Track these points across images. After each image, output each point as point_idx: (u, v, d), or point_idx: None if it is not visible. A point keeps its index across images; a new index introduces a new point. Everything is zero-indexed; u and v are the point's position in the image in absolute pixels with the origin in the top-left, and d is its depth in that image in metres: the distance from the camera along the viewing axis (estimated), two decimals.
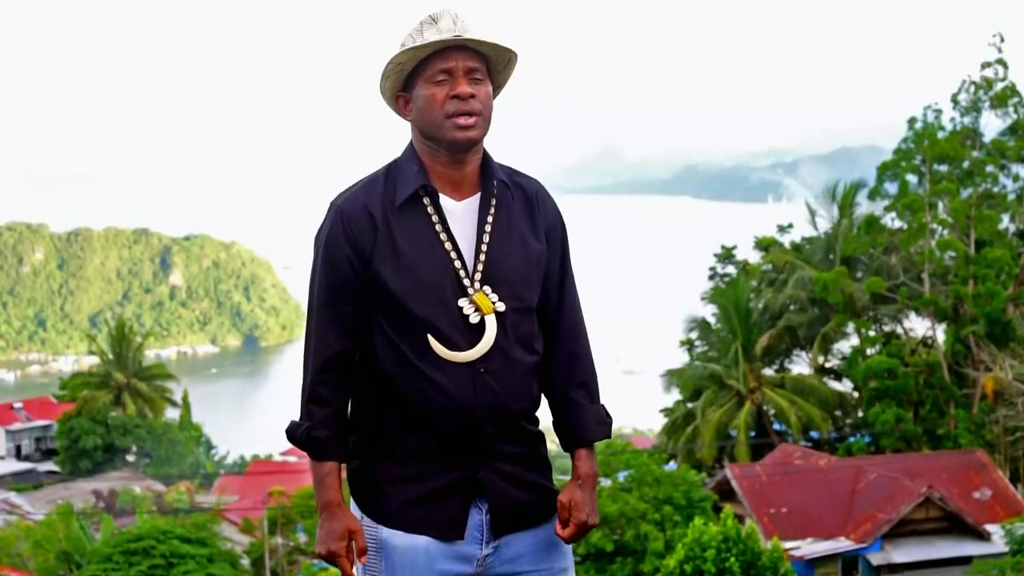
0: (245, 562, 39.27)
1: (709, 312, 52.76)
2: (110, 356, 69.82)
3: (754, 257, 54.85)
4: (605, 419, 3.78)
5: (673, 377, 50.08)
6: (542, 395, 3.77)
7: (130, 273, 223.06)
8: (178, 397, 70.88)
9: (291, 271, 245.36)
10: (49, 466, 69.46)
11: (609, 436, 3.79)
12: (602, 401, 3.84)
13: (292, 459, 65.09)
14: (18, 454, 73.76)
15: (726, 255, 56.19)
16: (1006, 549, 28.30)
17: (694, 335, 52.94)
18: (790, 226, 54.14)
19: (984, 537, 31.61)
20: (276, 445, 73.68)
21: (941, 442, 41.86)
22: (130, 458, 66.45)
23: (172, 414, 71.17)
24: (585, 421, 3.74)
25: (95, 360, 73.52)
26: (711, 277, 55.76)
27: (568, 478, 3.78)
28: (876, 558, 31.44)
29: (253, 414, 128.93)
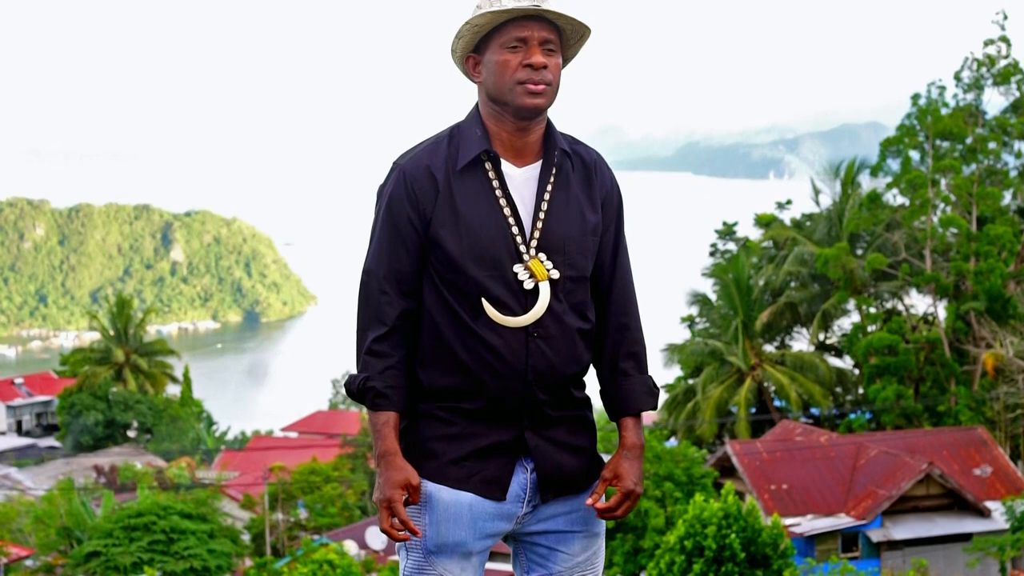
0: (246, 537, 39.38)
1: (710, 288, 52.73)
2: (111, 332, 69.87)
3: (755, 234, 54.83)
4: (653, 389, 3.83)
5: (674, 352, 50.05)
6: (590, 363, 3.82)
7: (131, 249, 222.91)
8: (179, 373, 70.91)
9: (292, 247, 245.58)
10: (50, 441, 69.68)
11: (656, 407, 3.86)
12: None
13: (293, 435, 65.24)
14: (19, 429, 73.98)
15: (727, 231, 56.17)
16: (1006, 526, 28.36)
17: (695, 311, 52.94)
18: (789, 203, 54.12)
19: (984, 514, 31.64)
20: (277, 421, 73.84)
21: (942, 419, 41.87)
22: (131, 434, 66.59)
23: (173, 390, 71.21)
24: (634, 391, 3.79)
25: (96, 336, 73.59)
26: (712, 253, 55.75)
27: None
28: (876, 534, 31.48)
29: (254, 390, 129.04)
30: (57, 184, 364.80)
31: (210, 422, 73.73)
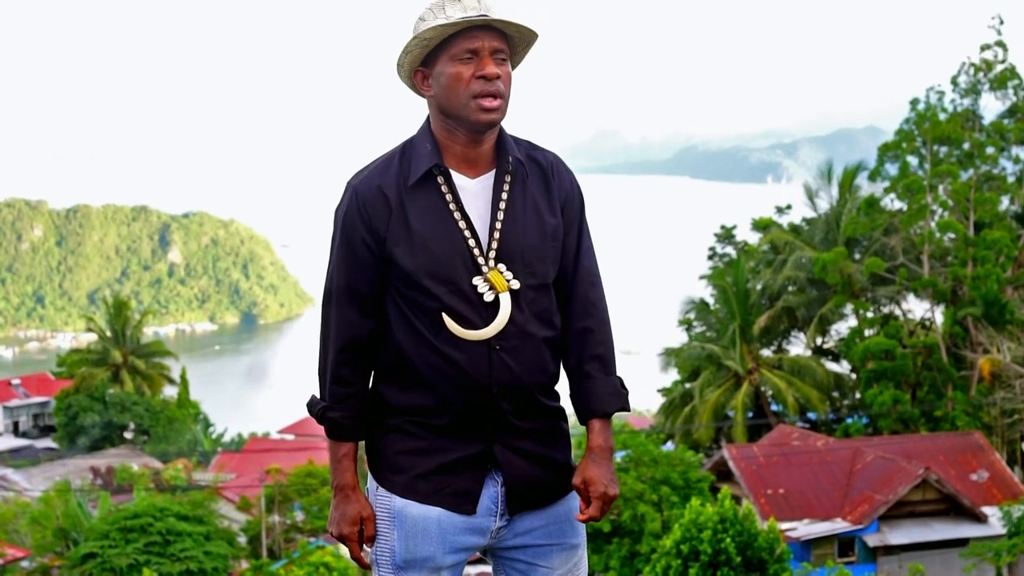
0: (242, 540, 39.32)
1: (708, 293, 52.73)
2: (108, 333, 69.75)
3: (753, 238, 54.84)
4: (620, 390, 3.74)
5: (671, 356, 50.08)
6: (560, 370, 3.77)
7: (128, 250, 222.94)
8: (176, 374, 70.81)
9: (290, 249, 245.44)
10: (47, 443, 69.55)
11: (627, 408, 3.76)
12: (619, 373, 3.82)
13: (290, 437, 65.13)
14: (16, 430, 73.85)
15: (725, 235, 56.17)
16: (1003, 531, 28.39)
17: (692, 315, 52.94)
18: (788, 207, 54.11)
19: (981, 519, 31.66)
20: (274, 423, 73.74)
21: (939, 424, 41.90)
22: (128, 435, 66.43)
23: (170, 391, 71.09)
24: (599, 392, 3.71)
25: (93, 337, 73.46)
26: (710, 257, 55.75)
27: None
28: (873, 539, 31.49)
29: (251, 392, 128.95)
30: (55, 185, 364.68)
31: (207, 424, 73.59)
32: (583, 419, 3.76)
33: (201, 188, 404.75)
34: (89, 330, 75.50)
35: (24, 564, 36.55)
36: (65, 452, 63.95)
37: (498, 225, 3.58)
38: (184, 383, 70.42)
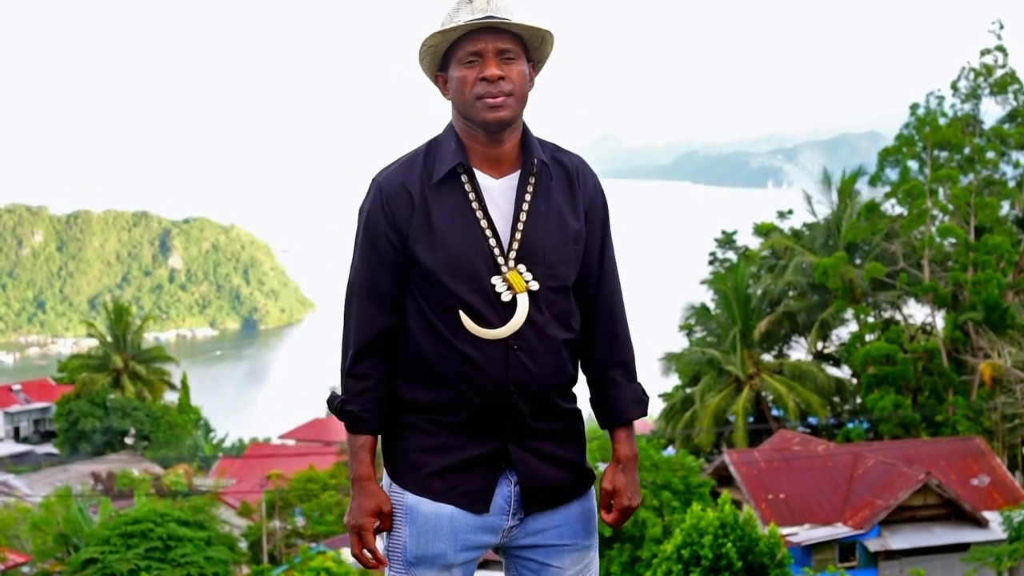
0: (243, 545, 39.31)
1: (708, 297, 52.69)
2: (109, 339, 69.74)
3: (754, 242, 54.81)
4: (642, 397, 3.80)
5: (671, 361, 50.03)
6: (579, 372, 3.79)
7: (129, 256, 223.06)
8: (177, 380, 70.81)
9: (290, 254, 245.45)
10: (47, 448, 69.56)
11: (646, 414, 3.83)
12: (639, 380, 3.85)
13: (290, 442, 65.19)
14: (16, 436, 73.88)
15: (726, 240, 56.15)
16: (1004, 536, 28.35)
17: (693, 320, 52.91)
18: (790, 212, 54.08)
19: (982, 524, 31.62)
20: (274, 428, 73.80)
21: (939, 429, 41.87)
22: (129, 441, 66.45)
23: (171, 397, 71.09)
24: (623, 400, 3.77)
25: (94, 342, 73.47)
26: (711, 262, 55.72)
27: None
28: (873, 544, 31.46)
29: (252, 397, 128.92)
30: (55, 190, 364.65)
31: (208, 429, 73.61)
32: (607, 426, 3.80)
33: (202, 193, 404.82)
34: (90, 335, 75.55)
35: (25, 569, 36.55)
36: (66, 458, 63.94)
37: (520, 226, 3.60)
38: (185, 388, 70.46)
